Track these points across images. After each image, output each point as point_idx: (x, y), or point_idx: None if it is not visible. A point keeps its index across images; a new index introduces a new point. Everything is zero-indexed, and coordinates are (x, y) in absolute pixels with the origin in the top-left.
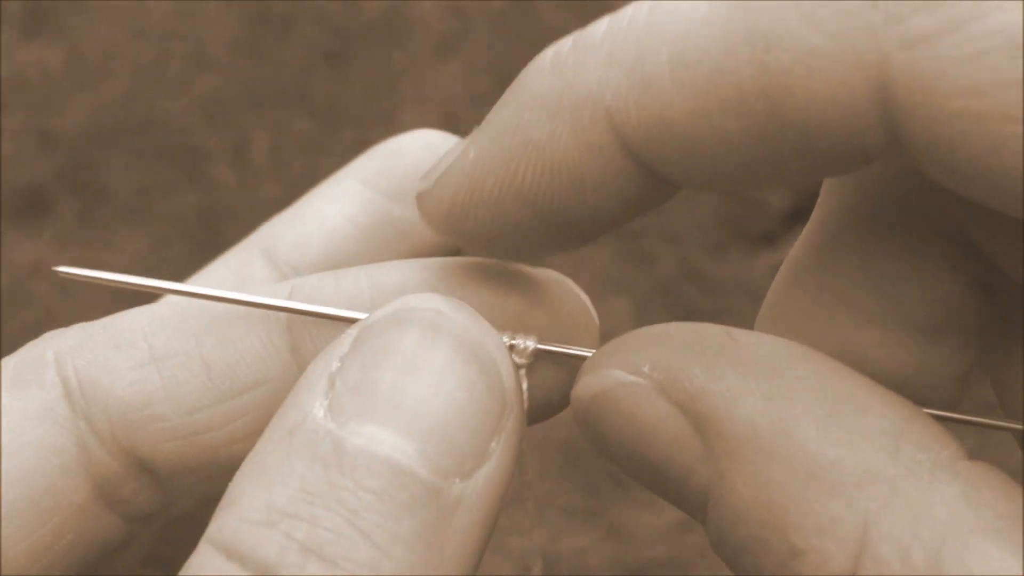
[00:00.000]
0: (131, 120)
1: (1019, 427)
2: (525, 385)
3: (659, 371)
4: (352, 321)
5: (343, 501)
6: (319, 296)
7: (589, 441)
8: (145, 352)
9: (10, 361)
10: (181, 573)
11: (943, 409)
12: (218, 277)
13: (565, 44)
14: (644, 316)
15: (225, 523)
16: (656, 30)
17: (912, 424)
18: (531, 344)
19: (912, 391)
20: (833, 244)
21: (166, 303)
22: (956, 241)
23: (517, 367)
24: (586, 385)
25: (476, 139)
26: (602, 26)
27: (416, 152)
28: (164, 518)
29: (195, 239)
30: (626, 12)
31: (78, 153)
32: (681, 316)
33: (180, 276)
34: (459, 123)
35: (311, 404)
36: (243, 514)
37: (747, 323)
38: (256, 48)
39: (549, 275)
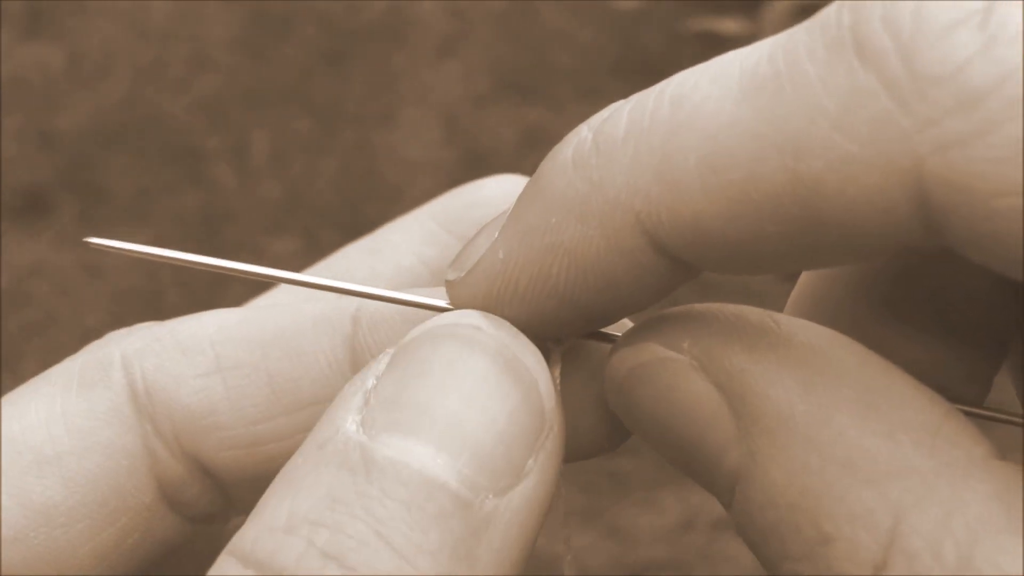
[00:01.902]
0: (131, 120)
1: (1019, 421)
2: (557, 371)
3: (699, 348)
4: (436, 309)
5: (369, 509)
6: (383, 319)
7: (620, 414)
8: (212, 360)
9: (76, 360)
10: None
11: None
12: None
13: (586, 140)
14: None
15: (246, 532)
16: (681, 131)
17: (948, 420)
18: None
19: (938, 389)
20: (836, 293)
21: (234, 312)
22: None
23: (556, 355)
24: (623, 357)
25: (505, 237)
26: (622, 122)
27: (498, 202)
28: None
29: (195, 239)
30: (646, 106)
31: (78, 153)
32: None
33: (180, 276)
34: (459, 123)
35: (344, 419)
36: (265, 522)
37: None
38: (256, 48)
39: None
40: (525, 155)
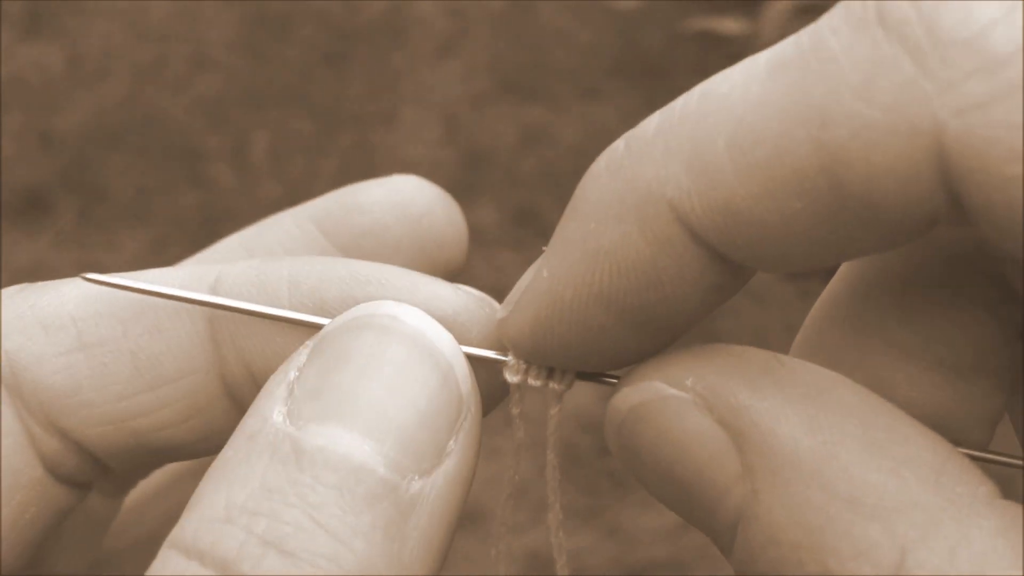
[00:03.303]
0: (131, 120)
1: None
2: (556, 410)
3: (703, 385)
4: (313, 326)
5: (303, 496)
6: (243, 287)
7: (620, 455)
8: (73, 337)
9: None
10: None
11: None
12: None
13: (618, 147)
14: None
15: (185, 525)
16: (709, 118)
17: (951, 459)
18: (570, 369)
19: (942, 431)
20: (872, 280)
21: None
22: (995, 284)
23: (558, 394)
24: (625, 396)
25: (548, 258)
26: (653, 122)
27: (380, 212)
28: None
29: (195, 239)
30: (676, 105)
31: (78, 153)
32: None
33: None
34: (459, 123)
35: (270, 411)
36: (203, 514)
37: (747, 323)
38: (256, 48)
39: (469, 292)
40: (525, 155)
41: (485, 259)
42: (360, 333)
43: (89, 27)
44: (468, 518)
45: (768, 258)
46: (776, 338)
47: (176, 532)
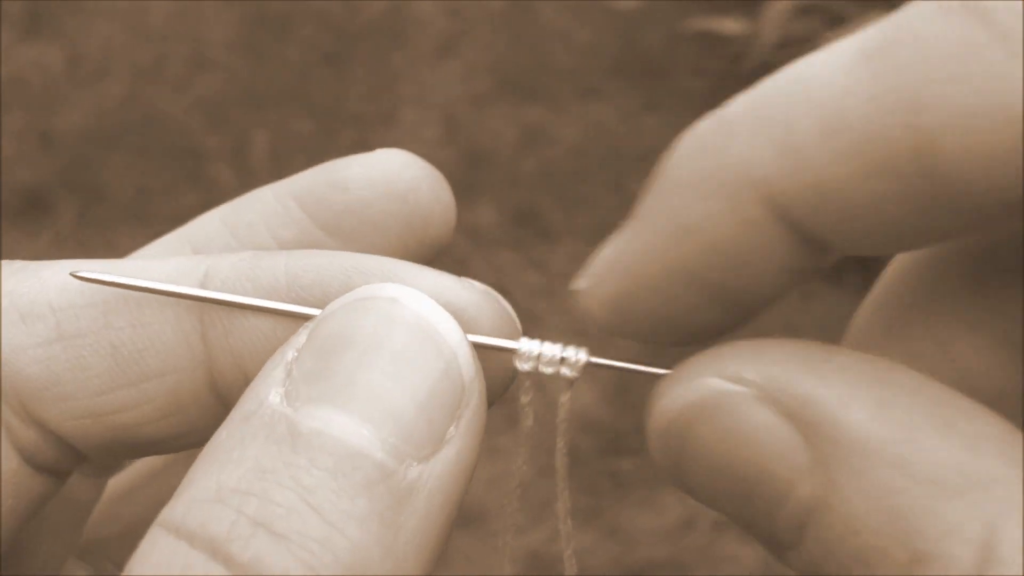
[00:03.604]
0: (131, 120)
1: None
2: (566, 397)
3: (763, 378)
4: (297, 316)
5: (296, 478)
6: (236, 282)
7: (666, 457)
8: (52, 328)
9: None
10: (131, 562)
11: None
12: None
13: (704, 125)
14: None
15: (175, 505)
16: (800, 100)
17: (1015, 433)
18: (583, 356)
19: (1002, 410)
20: (937, 257)
21: (73, 265)
22: None
23: (568, 382)
24: (674, 397)
25: (632, 230)
26: (740, 103)
27: (362, 189)
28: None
29: None
30: (763, 87)
31: (78, 153)
32: None
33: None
34: (459, 123)
35: (267, 392)
36: (194, 494)
37: (747, 323)
38: (256, 48)
39: (473, 285)
40: (525, 155)
41: (485, 259)
42: (361, 315)
43: (89, 27)
44: (469, 518)
45: (855, 240)
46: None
47: (165, 512)
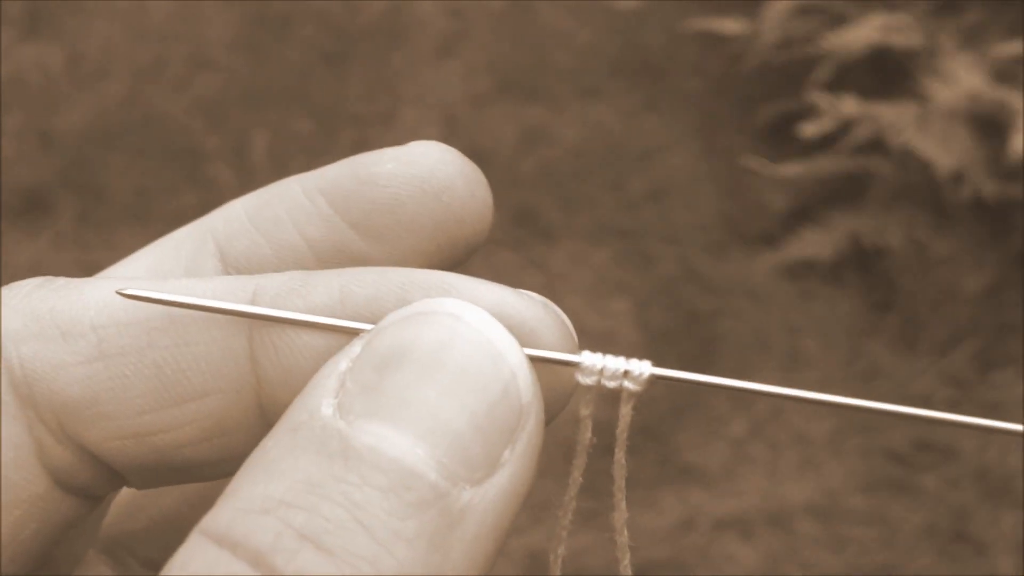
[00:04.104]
0: (131, 120)
1: (1019, 429)
2: (628, 408)
3: None
4: (350, 332)
5: (347, 494)
6: (286, 299)
7: None
8: (94, 346)
9: None
10: (168, 565)
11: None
12: (168, 263)
13: None
14: (644, 316)
15: (219, 514)
16: None
17: None
18: (647, 369)
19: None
20: None
21: (118, 283)
22: None
23: (630, 394)
24: None
25: None
26: None
27: (395, 187)
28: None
29: None
30: None
31: (78, 153)
32: (681, 316)
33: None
34: (459, 123)
35: (319, 403)
36: (239, 504)
37: (747, 322)
38: (256, 48)
39: (532, 297)
40: (524, 155)
41: (485, 259)
42: (421, 329)
43: (89, 27)
44: None
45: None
46: (776, 338)
47: (208, 519)
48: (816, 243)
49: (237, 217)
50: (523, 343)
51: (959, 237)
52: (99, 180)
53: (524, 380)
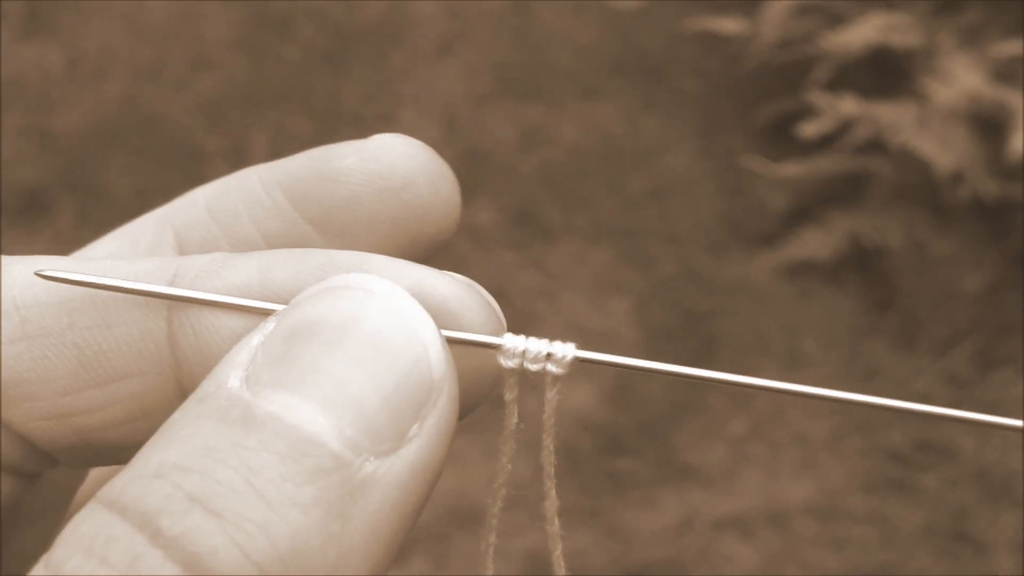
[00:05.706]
0: (131, 120)
1: (1019, 425)
2: (553, 393)
3: None
4: (268, 313)
5: (243, 459)
6: (206, 280)
7: None
8: (17, 326)
9: None
10: (62, 531)
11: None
12: (128, 249)
13: None
14: (644, 316)
15: (115, 482)
16: None
17: None
18: (570, 352)
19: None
20: None
21: (40, 262)
22: None
23: (554, 378)
24: None
25: None
26: None
27: (355, 183)
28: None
29: None
30: None
31: (78, 153)
32: (681, 316)
33: None
34: (458, 123)
35: (227, 375)
36: (135, 471)
37: (747, 322)
38: (256, 48)
39: (456, 278)
40: (524, 155)
41: (484, 259)
42: (332, 303)
43: (88, 27)
44: (469, 518)
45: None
46: (776, 338)
47: (106, 488)
48: (816, 243)
49: (195, 209)
50: (444, 324)
51: (959, 237)
52: (99, 180)
53: (436, 356)
